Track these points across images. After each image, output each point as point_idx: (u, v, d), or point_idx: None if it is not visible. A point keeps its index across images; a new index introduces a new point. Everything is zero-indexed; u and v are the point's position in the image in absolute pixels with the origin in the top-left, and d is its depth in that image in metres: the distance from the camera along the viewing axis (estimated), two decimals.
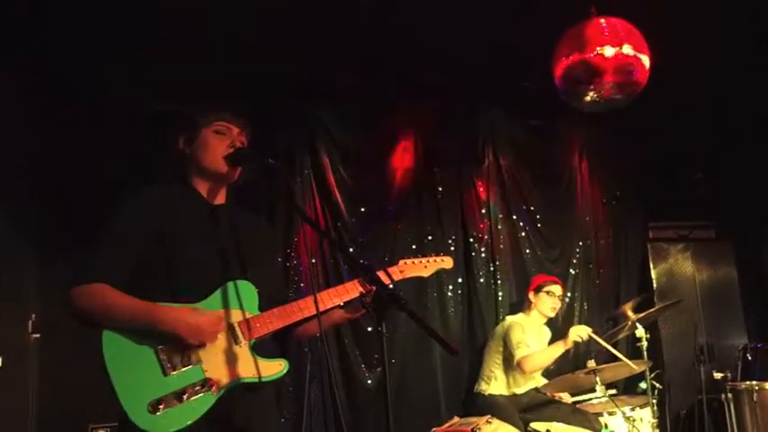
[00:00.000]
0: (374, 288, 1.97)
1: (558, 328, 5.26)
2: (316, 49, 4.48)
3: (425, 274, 2.47)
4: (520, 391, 4.38)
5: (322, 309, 2.12)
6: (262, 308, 2.12)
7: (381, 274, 2.22)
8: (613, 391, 4.34)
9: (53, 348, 4.19)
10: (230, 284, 2.07)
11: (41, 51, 4.04)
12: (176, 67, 4.34)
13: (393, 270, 2.35)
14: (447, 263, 2.55)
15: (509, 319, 4.59)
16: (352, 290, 2.21)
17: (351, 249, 4.88)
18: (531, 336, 4.46)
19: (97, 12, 3.79)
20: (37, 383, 4.16)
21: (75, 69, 4.20)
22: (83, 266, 2.02)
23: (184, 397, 1.90)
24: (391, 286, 2.17)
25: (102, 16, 3.83)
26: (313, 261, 4.71)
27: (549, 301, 4.53)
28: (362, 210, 5.01)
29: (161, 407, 1.86)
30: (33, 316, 4.14)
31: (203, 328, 1.96)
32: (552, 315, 4.61)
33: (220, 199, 2.27)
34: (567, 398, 4.36)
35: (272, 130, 4.71)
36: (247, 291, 2.10)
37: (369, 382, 4.69)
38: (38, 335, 4.13)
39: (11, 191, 3.93)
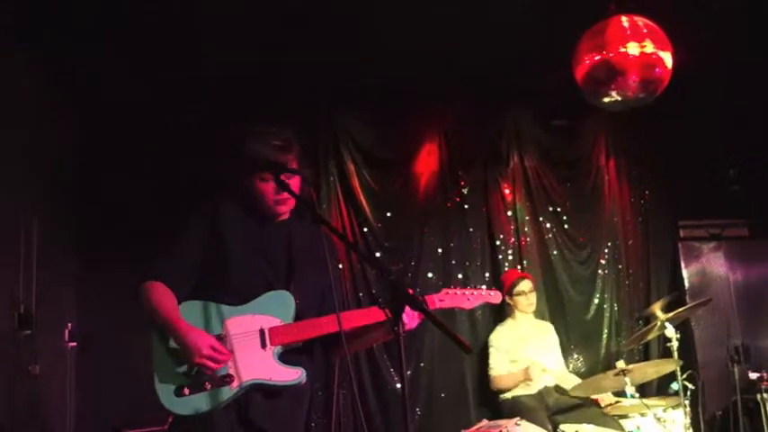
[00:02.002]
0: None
1: (587, 323, 5.26)
2: (338, 54, 4.53)
3: (467, 306, 2.44)
4: (534, 389, 4.36)
5: (344, 327, 2.16)
6: (303, 318, 2.25)
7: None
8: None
9: (89, 357, 4.30)
10: (271, 293, 2.25)
11: (91, 61, 4.16)
12: (201, 76, 4.44)
13: (431, 298, 2.35)
14: (495, 297, 2.50)
15: (494, 330, 4.69)
16: (377, 313, 2.23)
17: (377, 254, 4.92)
18: (521, 341, 4.53)
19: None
20: (73, 391, 4.27)
21: (115, 76, 4.32)
22: (151, 265, 2.26)
23: (207, 386, 2.11)
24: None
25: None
26: (340, 266, 4.76)
27: (523, 300, 4.61)
28: (388, 214, 5.05)
29: (185, 392, 2.10)
30: (70, 325, 4.24)
31: (203, 354, 2.08)
32: (531, 310, 4.67)
33: (283, 216, 2.37)
34: (608, 398, 4.29)
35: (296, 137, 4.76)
36: (286, 300, 2.24)
37: (398, 386, 4.71)
38: (74, 343, 4.24)
39: (50, 202, 4.04)
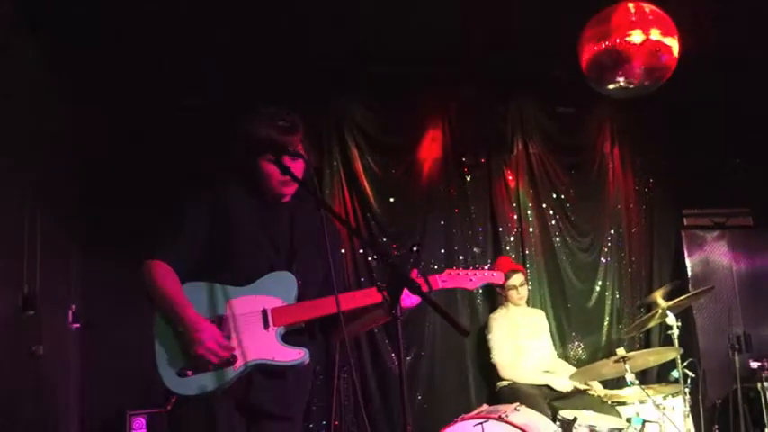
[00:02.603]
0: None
1: (589, 311, 5.27)
2: (342, 40, 4.52)
3: (470, 286, 2.45)
4: (528, 381, 4.37)
5: (343, 309, 2.18)
6: (304, 300, 2.26)
7: (420, 281, 2.26)
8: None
9: (92, 338, 4.34)
10: (274, 274, 2.26)
11: (91, 58, 4.17)
12: (201, 60, 4.43)
13: (434, 278, 2.36)
14: (497, 278, 2.52)
15: (489, 319, 4.68)
16: (377, 295, 2.25)
17: (381, 240, 4.92)
18: (514, 329, 4.54)
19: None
20: (77, 372, 4.30)
21: (115, 73, 4.33)
22: (155, 245, 2.27)
23: (209, 367, 2.11)
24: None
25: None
26: (342, 251, 4.76)
27: (514, 294, 4.62)
28: (391, 200, 5.05)
29: (189, 373, 2.11)
30: (74, 306, 4.27)
31: (206, 348, 2.08)
32: (522, 303, 4.67)
33: (286, 198, 2.38)
34: (597, 387, 4.32)
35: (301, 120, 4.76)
36: (288, 282, 2.26)
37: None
38: (78, 325, 4.27)
39: (55, 186, 4.05)
